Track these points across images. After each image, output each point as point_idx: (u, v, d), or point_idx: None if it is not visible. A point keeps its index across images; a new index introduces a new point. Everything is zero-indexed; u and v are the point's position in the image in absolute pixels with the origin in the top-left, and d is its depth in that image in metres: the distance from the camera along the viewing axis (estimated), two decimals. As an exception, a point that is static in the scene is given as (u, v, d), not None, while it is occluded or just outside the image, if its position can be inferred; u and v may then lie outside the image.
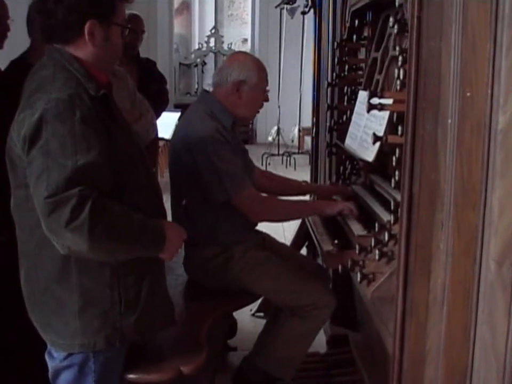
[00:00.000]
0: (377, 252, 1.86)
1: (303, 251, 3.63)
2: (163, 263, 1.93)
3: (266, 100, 2.64)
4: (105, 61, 1.80)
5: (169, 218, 2.20)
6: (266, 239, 2.83)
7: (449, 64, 1.25)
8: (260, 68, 2.58)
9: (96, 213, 1.54)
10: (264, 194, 2.66)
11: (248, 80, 2.52)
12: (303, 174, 8.08)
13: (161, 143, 6.80)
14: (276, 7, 9.19)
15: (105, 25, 1.74)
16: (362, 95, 2.65)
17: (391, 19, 2.17)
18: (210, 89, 2.65)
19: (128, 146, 1.80)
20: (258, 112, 2.68)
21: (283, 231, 4.97)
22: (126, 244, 1.67)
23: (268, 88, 2.63)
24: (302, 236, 3.56)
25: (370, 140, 2.06)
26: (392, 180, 1.96)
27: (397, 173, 1.90)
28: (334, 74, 3.01)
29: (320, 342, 3.11)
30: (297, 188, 2.97)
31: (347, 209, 2.47)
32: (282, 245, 2.99)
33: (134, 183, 1.77)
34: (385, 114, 2.20)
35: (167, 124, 5.50)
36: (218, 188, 2.40)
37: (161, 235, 1.76)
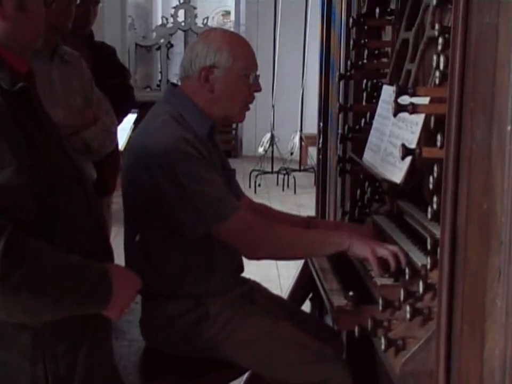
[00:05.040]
0: (408, 308, 1.86)
1: (306, 306, 3.62)
2: (109, 323, 1.91)
3: (256, 88, 2.56)
4: (23, 40, 1.79)
5: (122, 260, 2.18)
6: (255, 290, 2.82)
7: (509, 48, 1.25)
8: (235, 43, 2.52)
9: (12, 256, 1.53)
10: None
11: (219, 63, 2.46)
12: (305, 198, 8.13)
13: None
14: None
15: None
16: (388, 91, 2.66)
17: (427, -14, 2.19)
18: (179, 82, 2.63)
19: (59, 161, 1.78)
20: (248, 108, 2.61)
21: (278, 278, 4.98)
22: (55, 299, 1.64)
23: (258, 72, 2.55)
24: (303, 284, 3.55)
25: (398, 153, 2.07)
26: (429, 209, 1.95)
27: (435, 199, 1.89)
28: (349, 62, 3.04)
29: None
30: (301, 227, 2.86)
31: (391, 258, 2.31)
32: (277, 297, 3.00)
33: (68, 212, 1.75)
34: (419, 118, 2.21)
35: (118, 130, 5.51)
36: (192, 218, 2.39)
37: (105, 284, 1.75)
